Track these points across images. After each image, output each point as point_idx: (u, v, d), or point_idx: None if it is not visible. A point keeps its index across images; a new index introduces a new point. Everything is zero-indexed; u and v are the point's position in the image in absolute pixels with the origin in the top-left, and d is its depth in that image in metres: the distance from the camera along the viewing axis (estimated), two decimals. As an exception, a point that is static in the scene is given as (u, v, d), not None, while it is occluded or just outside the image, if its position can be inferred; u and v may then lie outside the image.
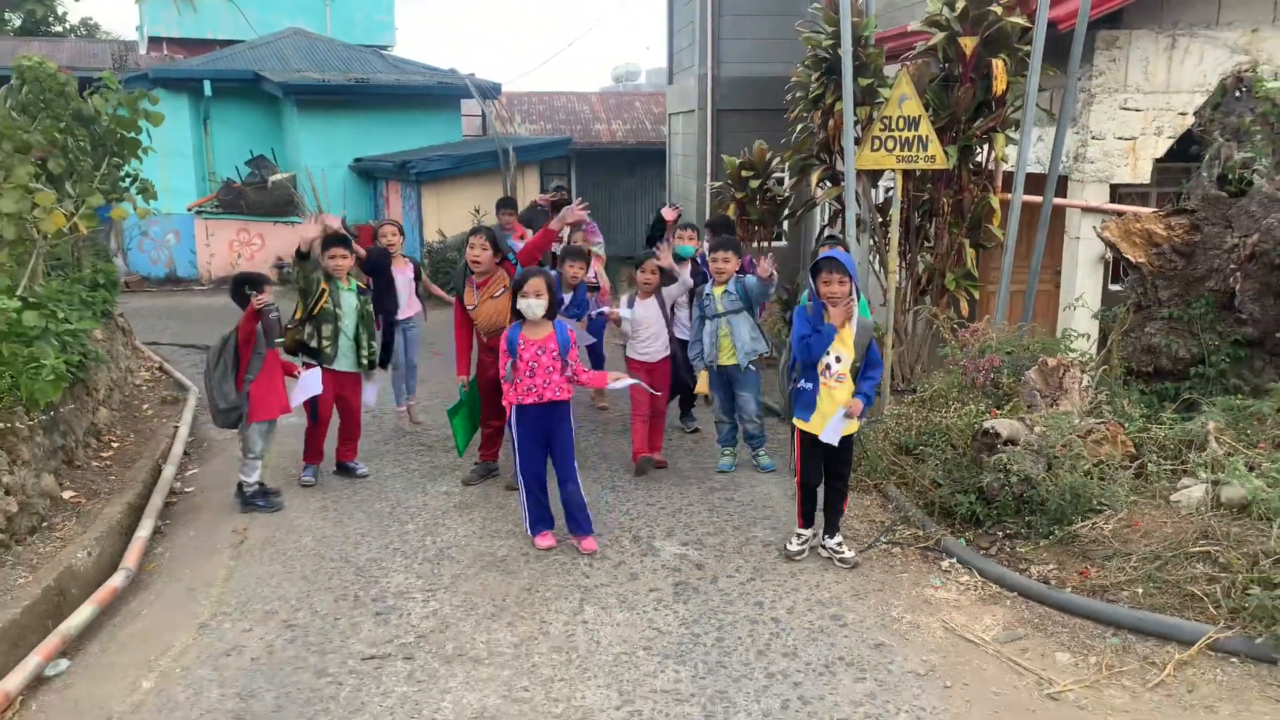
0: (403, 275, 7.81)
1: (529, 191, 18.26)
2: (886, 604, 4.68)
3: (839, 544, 5.23)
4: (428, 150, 18.52)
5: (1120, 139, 9.33)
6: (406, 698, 3.96)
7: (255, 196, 19.05)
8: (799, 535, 5.35)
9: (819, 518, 5.33)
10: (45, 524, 5.90)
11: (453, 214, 17.32)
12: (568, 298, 6.73)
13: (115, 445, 7.74)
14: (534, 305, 5.31)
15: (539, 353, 5.33)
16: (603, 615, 4.65)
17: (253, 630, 4.63)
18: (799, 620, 4.54)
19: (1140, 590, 4.34)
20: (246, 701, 3.98)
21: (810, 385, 5.08)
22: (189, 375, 10.35)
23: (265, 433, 6.43)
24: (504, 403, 5.55)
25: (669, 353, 6.82)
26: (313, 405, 6.60)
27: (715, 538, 5.58)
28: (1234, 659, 3.89)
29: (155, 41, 26.58)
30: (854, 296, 5.01)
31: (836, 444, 5.04)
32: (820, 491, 5.28)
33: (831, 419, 4.99)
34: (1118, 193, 9.48)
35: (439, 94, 20.10)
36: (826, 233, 8.67)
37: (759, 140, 10.09)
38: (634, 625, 4.54)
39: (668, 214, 8.54)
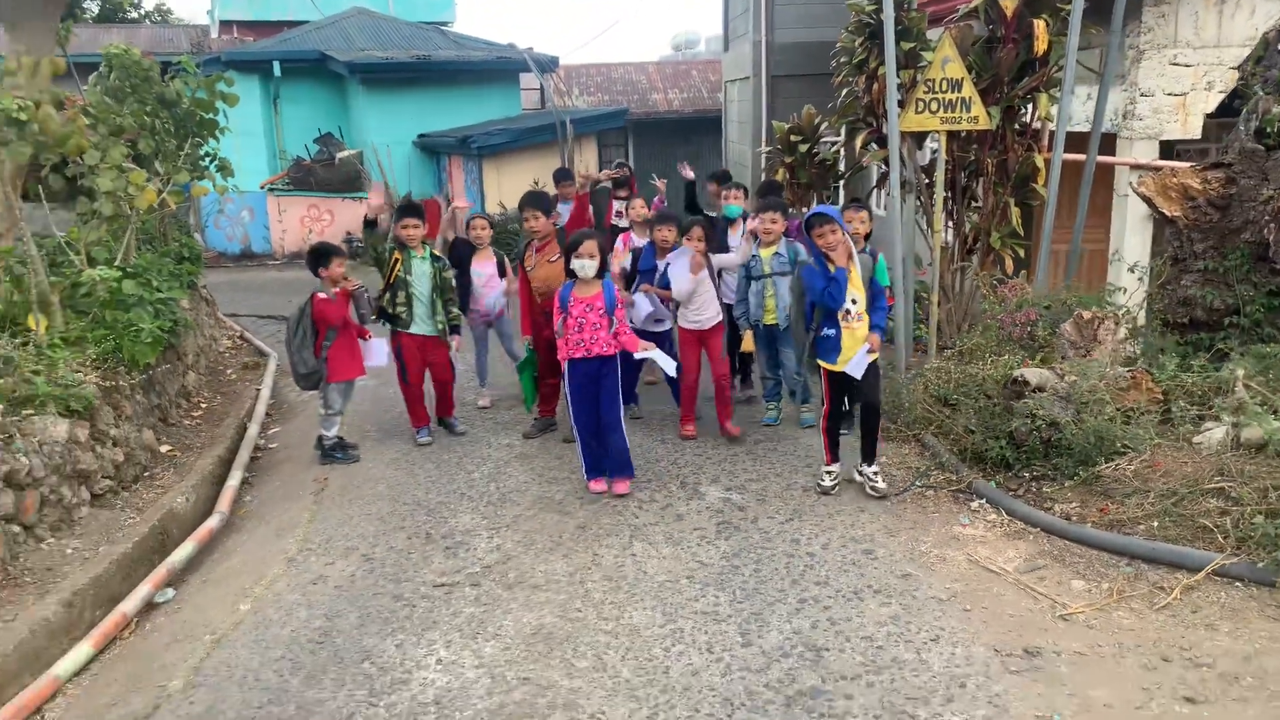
0: (484, 269, 7.71)
1: (588, 162, 18.65)
2: (916, 540, 5.00)
3: (875, 473, 5.64)
4: (488, 125, 18.98)
5: (1170, 95, 9.33)
6: (473, 617, 4.42)
7: (324, 173, 19.74)
8: (829, 472, 5.76)
9: (851, 449, 5.86)
10: (147, 473, 6.50)
11: (513, 186, 17.74)
12: (661, 265, 6.84)
13: (204, 406, 8.36)
14: (586, 265, 5.70)
15: (587, 309, 5.72)
16: (650, 550, 5.05)
17: (335, 563, 5.13)
18: (832, 554, 4.88)
19: (1155, 524, 4.59)
20: (332, 620, 4.47)
21: (833, 331, 5.50)
22: (267, 343, 10.98)
23: (343, 392, 6.94)
24: (559, 359, 5.95)
25: (721, 319, 6.79)
26: (402, 369, 7.05)
27: (758, 484, 5.93)
28: (1238, 583, 4.13)
29: (226, 25, 27.46)
30: (852, 249, 5.45)
31: (860, 376, 5.46)
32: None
33: (855, 356, 5.43)
34: (1172, 149, 9.50)
35: (498, 69, 20.53)
36: (925, 182, 8.75)
37: (808, 106, 10.29)
38: (678, 558, 4.93)
39: (686, 172, 8.97)
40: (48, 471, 5.30)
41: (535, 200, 7.05)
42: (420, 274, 6.93)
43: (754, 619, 4.26)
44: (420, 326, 6.96)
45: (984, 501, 5.34)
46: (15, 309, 6.21)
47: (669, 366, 6.05)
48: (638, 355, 5.97)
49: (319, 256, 6.83)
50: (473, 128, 18.73)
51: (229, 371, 9.64)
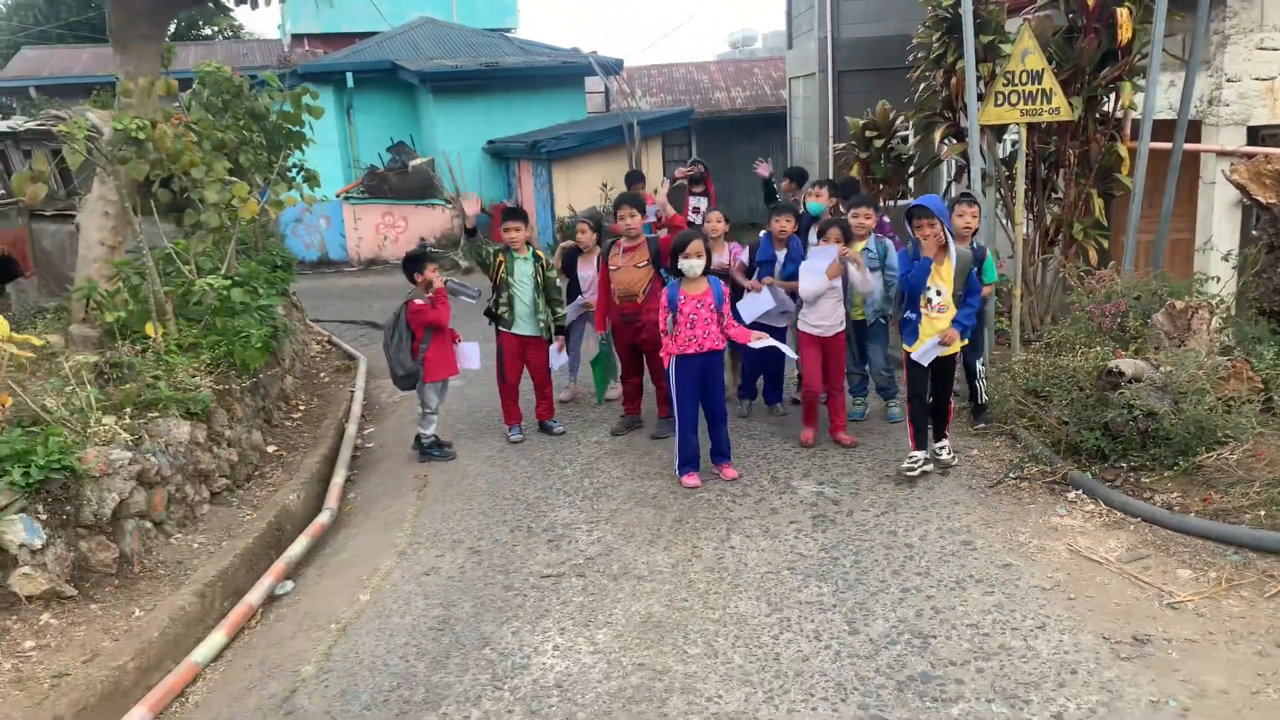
0: (587, 271, 7.77)
1: (653, 163, 18.79)
2: (1014, 531, 5.04)
3: (942, 446, 5.97)
4: (556, 129, 19.24)
5: (1257, 80, 9.16)
6: (583, 606, 4.58)
7: (397, 181, 20.21)
8: (912, 456, 5.92)
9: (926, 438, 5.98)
10: (257, 473, 6.81)
11: (581, 190, 17.99)
12: (781, 255, 6.87)
13: (301, 408, 8.68)
14: (695, 264, 5.86)
15: (698, 306, 5.88)
16: (748, 542, 5.17)
17: (444, 556, 5.34)
18: (931, 545, 4.95)
19: (1263, 513, 4.57)
20: (449, 609, 4.67)
21: (914, 316, 5.74)
22: (353, 347, 11.32)
23: (439, 391, 7.17)
24: (662, 354, 6.09)
25: (844, 329, 6.56)
26: (501, 368, 7.27)
27: (849, 478, 6.01)
28: (1353, 572, 4.12)
29: (298, 39, 28.15)
30: (947, 234, 5.57)
31: (927, 364, 5.70)
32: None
33: (926, 343, 5.65)
34: (1259, 135, 9.32)
35: (564, 73, 20.79)
36: (957, 191, 8.85)
37: (882, 100, 10.29)
38: (777, 550, 5.04)
39: (761, 170, 9.00)
40: (173, 471, 5.60)
41: (633, 200, 7.19)
42: (523, 275, 7.12)
43: (858, 608, 4.36)
44: (522, 327, 7.15)
45: (1080, 492, 5.36)
46: (133, 317, 6.55)
47: (789, 352, 6.25)
48: (753, 344, 6.09)
49: (413, 262, 7.11)
50: (540, 132, 19.01)
51: (321, 375, 9.98)
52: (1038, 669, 3.76)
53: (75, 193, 10.37)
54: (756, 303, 6.85)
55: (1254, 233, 9.40)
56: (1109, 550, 4.70)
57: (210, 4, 8.28)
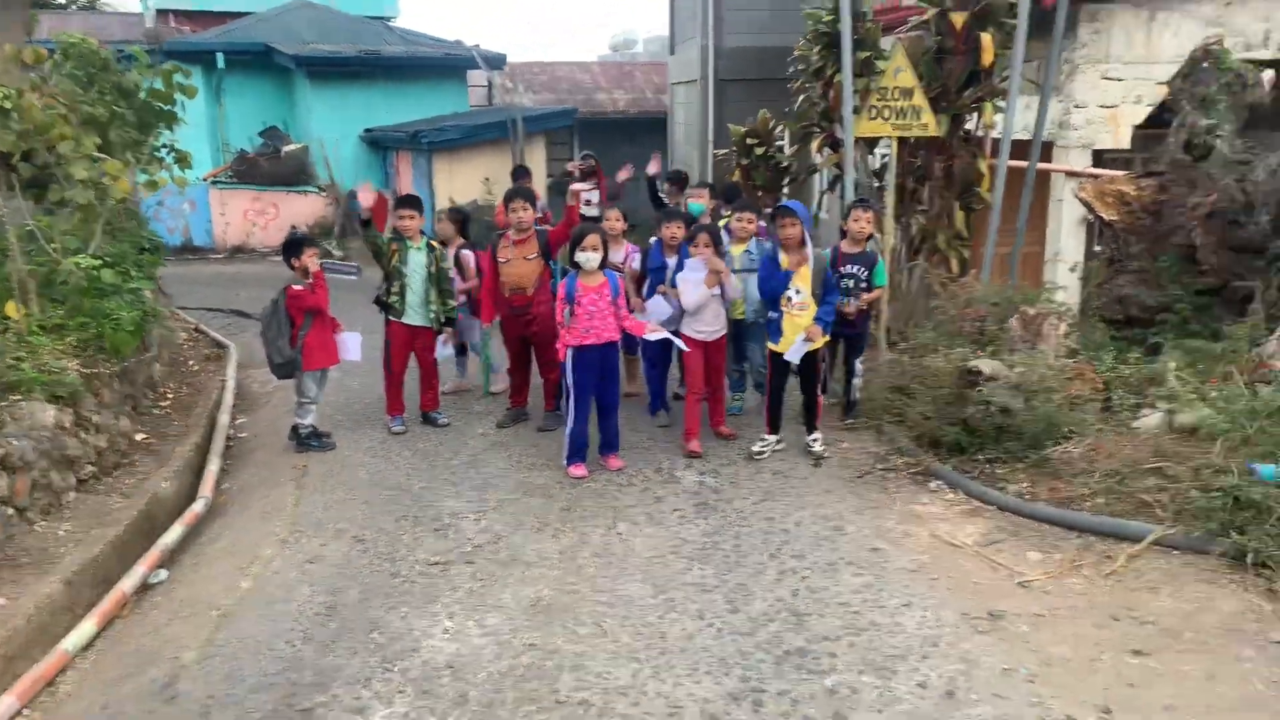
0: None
1: (536, 160, 18.79)
2: (881, 518, 5.36)
3: (814, 439, 6.39)
4: (437, 120, 19.02)
5: (1102, 107, 9.93)
6: (473, 591, 4.64)
7: (268, 167, 19.59)
8: (764, 439, 6.40)
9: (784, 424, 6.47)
10: (126, 460, 6.57)
11: (463, 182, 17.84)
12: (672, 262, 6.82)
13: (171, 396, 8.39)
14: (591, 257, 5.99)
15: (595, 298, 6.00)
16: (634, 529, 5.33)
17: (328, 544, 5.30)
18: (805, 531, 5.21)
19: (1101, 500, 5.02)
20: (335, 595, 4.65)
21: (777, 315, 6.17)
22: (223, 336, 10.97)
23: (318, 380, 7.07)
24: (559, 346, 6.18)
25: (725, 331, 6.71)
26: (388, 358, 7.22)
27: (729, 468, 6.25)
28: (1175, 551, 4.56)
29: (162, 14, 26.88)
30: (807, 242, 6.05)
31: (798, 361, 6.14)
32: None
33: (795, 342, 6.06)
34: (1102, 158, 10.09)
35: (446, 65, 20.57)
36: (857, 196, 9.15)
37: (763, 110, 10.66)
38: (662, 536, 5.21)
39: (653, 166, 9.24)
40: (38, 456, 5.37)
41: (525, 193, 7.25)
42: (416, 264, 7.09)
43: (739, 589, 4.57)
44: (412, 316, 7.13)
45: (941, 483, 5.74)
46: (-8, 298, 6.23)
47: (681, 345, 6.43)
48: (648, 336, 6.28)
49: (292, 247, 6.98)
50: (422, 123, 18.77)
51: (190, 363, 9.65)
52: (903, 642, 4.04)
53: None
54: (657, 310, 6.86)
55: (1097, 248, 10.17)
56: (967, 535, 5.06)
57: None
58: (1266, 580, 4.22)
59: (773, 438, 6.37)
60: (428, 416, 7.49)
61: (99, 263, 6.68)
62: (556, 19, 63.92)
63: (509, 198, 7.29)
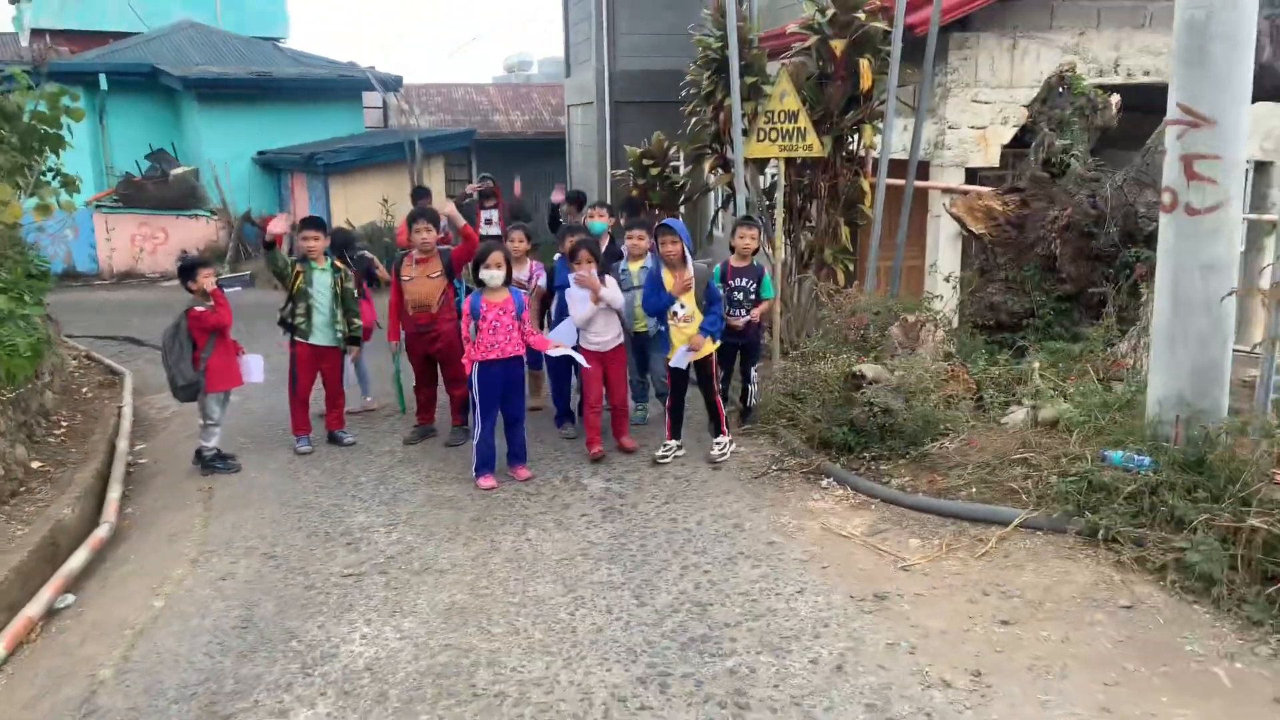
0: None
1: (435, 181, 18.84)
2: (777, 514, 5.70)
3: (716, 442, 6.73)
4: (333, 142, 18.91)
5: (973, 128, 10.62)
6: (387, 599, 4.79)
7: (156, 190, 19.14)
8: (666, 445, 6.76)
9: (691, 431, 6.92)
10: (23, 488, 6.46)
11: (360, 204, 17.77)
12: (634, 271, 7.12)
13: (65, 424, 8.23)
14: (495, 275, 6.18)
15: (500, 314, 6.20)
16: (543, 535, 5.54)
17: (239, 562, 5.36)
18: (706, 529, 5.51)
19: (974, 490, 5.46)
20: (250, 609, 4.74)
21: (663, 328, 6.63)
22: (116, 363, 10.75)
23: (221, 402, 7.08)
24: (464, 360, 6.35)
25: (622, 341, 6.91)
26: (294, 379, 7.25)
27: (633, 474, 6.52)
28: (1039, 532, 5.01)
29: (38, 33, 25.94)
30: (687, 259, 6.46)
31: (685, 368, 6.57)
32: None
33: (679, 351, 6.48)
34: (975, 175, 10.78)
35: (341, 87, 20.46)
36: (743, 214, 9.57)
37: (658, 132, 11.04)
38: (571, 540, 5.44)
39: (556, 195, 9.53)
40: (-65, 484, 5.29)
41: (429, 214, 7.41)
42: (321, 285, 7.16)
43: (645, 585, 4.83)
44: (319, 337, 7.19)
45: (831, 480, 6.11)
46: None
47: (581, 360, 6.67)
48: (551, 352, 6.58)
49: (186, 271, 6.98)
50: (318, 145, 18.63)
51: (84, 390, 9.44)
52: (798, 625, 4.36)
53: None
54: (562, 333, 6.96)
55: (972, 258, 10.83)
56: (855, 526, 5.44)
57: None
58: (1115, 554, 4.69)
59: (674, 443, 6.70)
60: (334, 435, 7.55)
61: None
62: (448, 41, 63.67)
63: (412, 218, 7.43)
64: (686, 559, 5.12)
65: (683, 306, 6.48)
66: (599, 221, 8.06)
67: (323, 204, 17.83)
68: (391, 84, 20.92)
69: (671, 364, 6.58)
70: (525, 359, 6.53)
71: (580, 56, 20.59)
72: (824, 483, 6.12)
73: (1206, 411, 5.03)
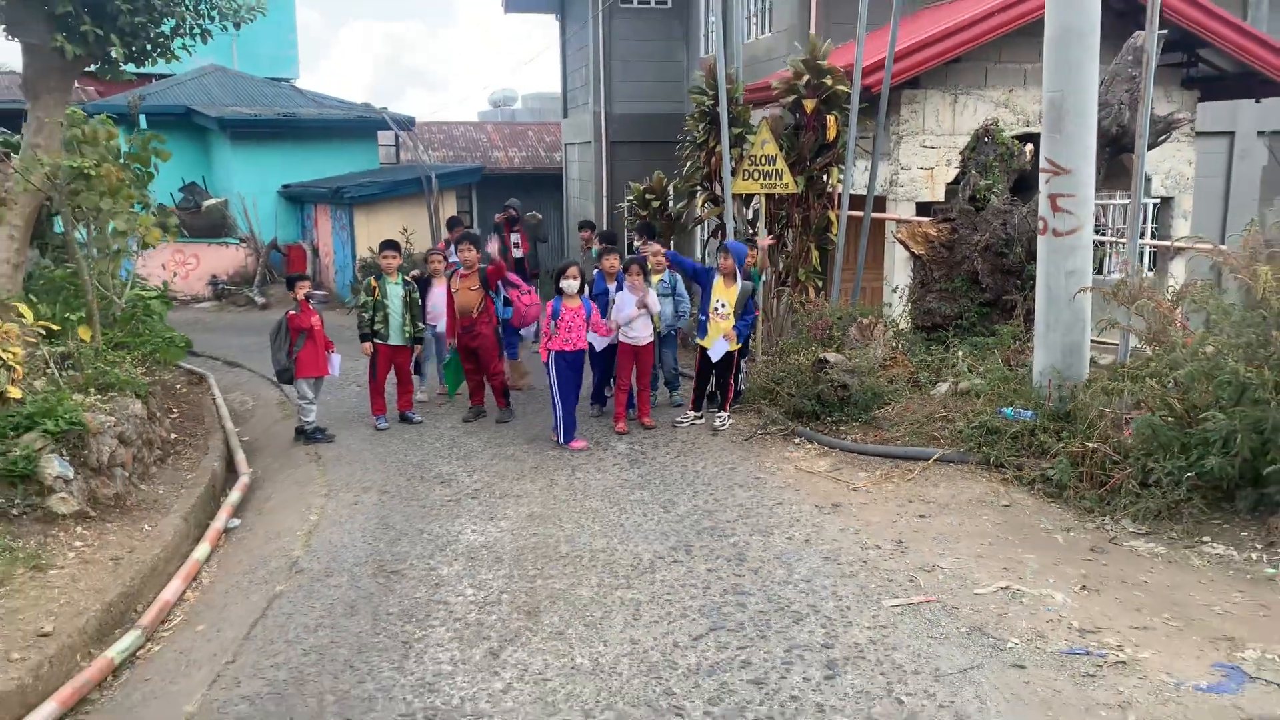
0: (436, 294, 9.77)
1: (448, 212, 20.75)
2: (762, 461, 7.59)
3: (718, 416, 8.53)
4: (355, 176, 20.79)
5: (922, 168, 12.66)
6: (483, 512, 6.63)
7: (189, 220, 20.91)
8: (688, 414, 8.63)
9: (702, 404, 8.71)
10: (173, 452, 8.25)
11: (380, 233, 19.41)
12: (612, 286, 8.89)
13: (175, 410, 10.01)
14: (572, 284, 8.08)
15: (574, 316, 8.09)
16: (588, 475, 7.40)
17: (362, 496, 7.17)
18: (710, 471, 7.39)
19: (907, 439, 7.38)
20: (384, 519, 6.56)
21: (705, 318, 8.38)
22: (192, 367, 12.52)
23: (313, 386, 8.89)
24: (540, 350, 8.24)
25: (653, 339, 8.61)
26: (373, 371, 9.07)
27: (650, 439, 8.39)
28: (950, 464, 6.93)
29: (82, 77, 27.76)
30: (737, 270, 8.12)
31: (717, 358, 8.27)
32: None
33: (716, 341, 8.18)
34: (929, 208, 12.79)
35: (358, 126, 22.39)
36: (750, 233, 11.46)
37: (658, 171, 13.01)
38: (609, 478, 7.30)
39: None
40: (136, 436, 7.10)
41: (472, 238, 9.31)
42: (394, 296, 9.00)
43: (668, 501, 6.70)
44: (394, 338, 9.01)
45: (802, 438, 8.02)
46: (67, 323, 7.88)
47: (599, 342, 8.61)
48: (600, 338, 8.44)
49: (290, 282, 8.85)
50: (341, 179, 20.50)
51: (178, 386, 11.21)
52: (777, 521, 6.23)
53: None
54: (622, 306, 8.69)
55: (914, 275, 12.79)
56: (819, 467, 7.34)
57: (106, 66, 9.51)
58: (1001, 475, 6.62)
59: (694, 413, 8.58)
60: (405, 416, 9.37)
61: (154, 294, 8.40)
62: (434, 77, 66.07)
63: (458, 242, 9.34)
64: (697, 488, 7.00)
65: (723, 305, 8.28)
66: (596, 248, 9.98)
67: (347, 233, 19.67)
68: (405, 123, 22.88)
69: (709, 353, 8.32)
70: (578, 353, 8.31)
71: (577, 100, 22.65)
72: (797, 441, 8.03)
73: (1071, 378, 6.98)
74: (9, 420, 6.07)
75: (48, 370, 7.21)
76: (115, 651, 4.79)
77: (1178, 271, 12.70)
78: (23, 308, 7.11)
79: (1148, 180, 13.12)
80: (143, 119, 20.78)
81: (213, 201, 21.19)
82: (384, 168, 22.93)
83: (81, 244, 9.20)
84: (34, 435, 6.07)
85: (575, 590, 5.29)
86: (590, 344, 8.52)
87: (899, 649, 4.48)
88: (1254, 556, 5.25)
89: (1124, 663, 4.24)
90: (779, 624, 4.79)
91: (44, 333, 7.47)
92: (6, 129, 19.85)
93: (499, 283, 9.31)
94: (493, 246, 10.76)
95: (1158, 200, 13.69)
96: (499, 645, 4.68)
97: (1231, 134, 17.32)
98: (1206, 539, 5.50)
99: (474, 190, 26.02)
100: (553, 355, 8.15)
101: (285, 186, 21.40)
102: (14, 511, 5.85)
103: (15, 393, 6.25)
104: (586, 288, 9.47)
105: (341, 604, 5.24)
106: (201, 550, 6.24)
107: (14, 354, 6.31)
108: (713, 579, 5.38)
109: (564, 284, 8.13)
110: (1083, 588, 5.04)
